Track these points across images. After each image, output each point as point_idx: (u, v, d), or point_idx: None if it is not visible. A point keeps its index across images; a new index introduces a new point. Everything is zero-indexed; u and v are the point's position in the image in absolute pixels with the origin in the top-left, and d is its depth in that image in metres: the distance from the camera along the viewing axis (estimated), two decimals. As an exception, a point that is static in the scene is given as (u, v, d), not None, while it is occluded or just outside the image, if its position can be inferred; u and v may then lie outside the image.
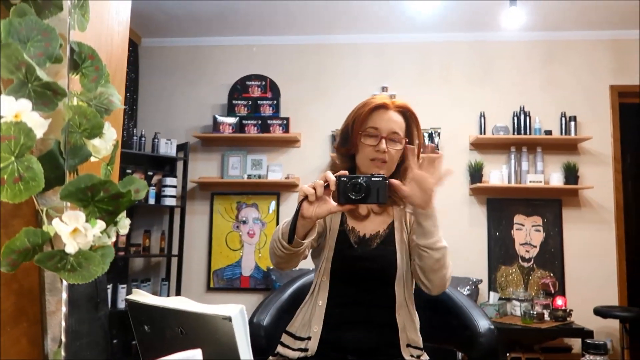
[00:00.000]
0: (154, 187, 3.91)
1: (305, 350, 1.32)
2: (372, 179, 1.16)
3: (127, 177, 0.57)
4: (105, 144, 0.61)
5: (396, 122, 1.36)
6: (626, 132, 4.04)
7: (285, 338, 1.38)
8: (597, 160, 3.90)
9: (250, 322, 1.47)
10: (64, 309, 0.62)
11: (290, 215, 1.19)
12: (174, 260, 4.01)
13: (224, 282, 4.05)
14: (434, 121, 3.95)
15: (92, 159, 0.62)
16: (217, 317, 0.66)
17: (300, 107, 4.13)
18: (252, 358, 0.67)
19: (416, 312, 1.38)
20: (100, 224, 0.52)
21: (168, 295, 3.96)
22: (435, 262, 1.25)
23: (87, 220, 0.51)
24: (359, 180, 1.14)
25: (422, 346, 1.37)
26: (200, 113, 4.24)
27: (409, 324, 1.35)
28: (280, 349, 1.37)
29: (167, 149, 3.98)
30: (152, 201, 3.88)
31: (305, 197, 1.13)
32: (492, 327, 1.38)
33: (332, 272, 1.35)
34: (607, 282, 3.78)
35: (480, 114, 3.95)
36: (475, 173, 3.86)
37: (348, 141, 1.39)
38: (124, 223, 0.55)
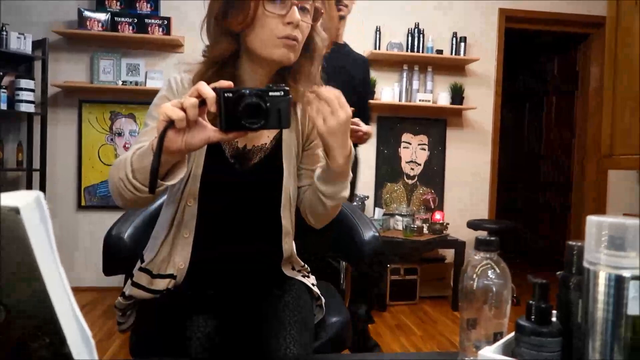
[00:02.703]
0: (5, 90, 3.32)
1: (167, 289, 1.07)
2: (271, 93, 0.83)
3: None
4: None
5: None
6: (509, 56, 4.19)
7: (139, 277, 1.09)
8: (482, 82, 4.03)
9: (109, 234, 1.26)
10: None
11: None
12: (36, 175, 3.53)
13: (98, 200, 3.68)
14: (330, 33, 3.75)
15: None
16: (1, 209, 0.45)
17: (184, 6, 3.67)
18: (58, 266, 0.48)
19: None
20: None
21: (30, 214, 3.51)
22: (331, 208, 1.06)
23: None
24: (253, 99, 0.81)
25: (303, 264, 1.24)
26: (62, 4, 3.60)
27: (293, 250, 1.17)
28: (133, 290, 1.07)
29: (20, 44, 3.35)
30: (3, 106, 3.31)
31: (171, 123, 0.80)
32: (377, 234, 1.33)
33: (201, 195, 1.05)
34: (480, 198, 4.06)
35: (376, 28, 3.83)
36: (368, 90, 3.79)
37: (233, 12, 0.99)
38: None
